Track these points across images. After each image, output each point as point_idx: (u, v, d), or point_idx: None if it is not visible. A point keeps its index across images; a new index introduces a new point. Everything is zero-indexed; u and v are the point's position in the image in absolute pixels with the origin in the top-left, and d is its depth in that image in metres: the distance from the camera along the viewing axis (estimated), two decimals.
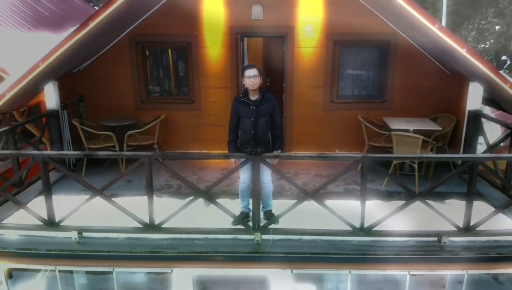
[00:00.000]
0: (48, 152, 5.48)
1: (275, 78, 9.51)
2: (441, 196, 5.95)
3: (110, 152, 5.27)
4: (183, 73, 7.85)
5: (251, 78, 4.82)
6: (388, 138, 6.76)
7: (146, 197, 4.80)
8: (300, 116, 7.64)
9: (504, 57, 20.43)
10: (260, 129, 4.96)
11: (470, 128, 6.60)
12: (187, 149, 7.85)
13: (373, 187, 6.51)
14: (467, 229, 4.74)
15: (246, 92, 5.01)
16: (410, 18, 5.57)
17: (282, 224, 5.06)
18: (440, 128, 6.91)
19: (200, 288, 5.42)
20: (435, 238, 4.83)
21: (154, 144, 7.34)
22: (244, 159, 4.82)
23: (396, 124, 6.99)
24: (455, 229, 4.76)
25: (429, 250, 4.76)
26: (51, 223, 4.90)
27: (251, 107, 4.93)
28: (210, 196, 4.93)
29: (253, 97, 4.95)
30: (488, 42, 19.97)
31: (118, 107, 7.68)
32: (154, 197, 4.88)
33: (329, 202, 5.67)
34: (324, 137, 7.72)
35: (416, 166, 6.29)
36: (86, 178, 6.78)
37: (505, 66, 20.09)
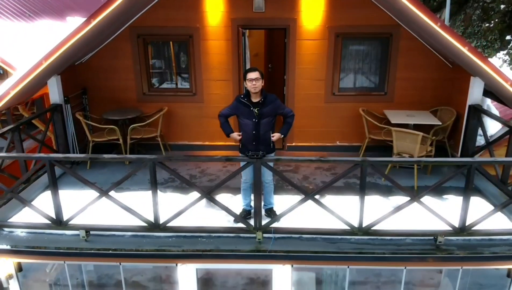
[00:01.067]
0: (55, 155, 5.56)
1: (277, 70, 9.53)
2: (439, 191, 6.04)
3: (115, 155, 5.40)
4: (185, 66, 7.85)
5: (253, 81, 4.87)
6: (388, 132, 6.81)
7: (150, 191, 4.93)
8: (301, 108, 7.64)
9: (508, 37, 20.07)
10: (262, 130, 5.04)
11: (470, 122, 6.64)
12: (190, 141, 7.93)
13: (373, 180, 6.62)
14: (463, 229, 4.87)
15: (248, 93, 5.05)
16: (413, 16, 5.55)
17: (283, 220, 5.22)
18: (440, 123, 6.95)
19: (203, 279, 5.64)
20: (431, 237, 4.98)
21: (157, 136, 7.42)
22: (245, 163, 4.94)
23: (397, 117, 7.04)
24: (451, 229, 4.89)
25: (425, 249, 4.90)
26: (59, 222, 5.06)
27: (251, 108, 4.99)
28: (212, 197, 5.05)
29: (255, 99, 5.01)
30: (492, 21, 19.57)
31: (121, 100, 7.71)
32: (158, 192, 5.00)
33: (329, 198, 5.85)
34: (325, 129, 7.78)
35: None
36: (92, 171, 6.98)
37: (508, 46, 19.78)
